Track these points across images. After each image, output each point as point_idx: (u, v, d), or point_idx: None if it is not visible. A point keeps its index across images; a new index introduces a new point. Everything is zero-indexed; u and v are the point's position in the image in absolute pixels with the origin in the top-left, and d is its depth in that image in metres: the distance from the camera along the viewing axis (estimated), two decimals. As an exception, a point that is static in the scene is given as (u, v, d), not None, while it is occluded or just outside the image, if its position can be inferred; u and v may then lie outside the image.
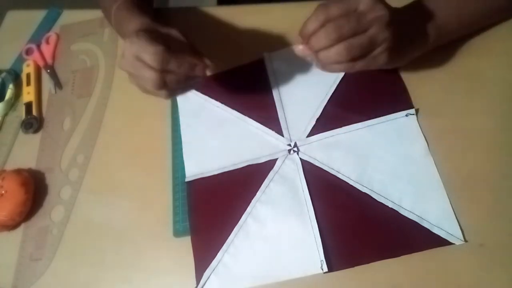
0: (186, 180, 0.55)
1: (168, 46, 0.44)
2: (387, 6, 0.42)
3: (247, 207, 0.51)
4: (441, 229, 0.45)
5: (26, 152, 0.63)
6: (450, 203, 0.46)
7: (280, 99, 0.57)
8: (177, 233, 0.52)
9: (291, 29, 0.62)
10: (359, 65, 0.43)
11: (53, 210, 0.58)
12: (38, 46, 0.72)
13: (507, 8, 0.53)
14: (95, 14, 0.73)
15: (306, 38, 0.43)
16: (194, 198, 0.54)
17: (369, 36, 0.41)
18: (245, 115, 0.57)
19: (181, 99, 0.60)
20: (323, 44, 0.42)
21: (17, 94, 0.69)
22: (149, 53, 0.43)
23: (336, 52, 0.41)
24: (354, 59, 0.43)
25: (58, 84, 0.68)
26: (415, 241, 0.45)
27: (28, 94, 0.67)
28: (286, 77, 0.58)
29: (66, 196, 0.58)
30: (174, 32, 0.48)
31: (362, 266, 0.46)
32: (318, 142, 0.53)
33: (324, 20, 0.41)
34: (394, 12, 0.43)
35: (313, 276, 0.46)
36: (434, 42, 0.50)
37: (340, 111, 0.54)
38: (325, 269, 0.46)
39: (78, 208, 0.57)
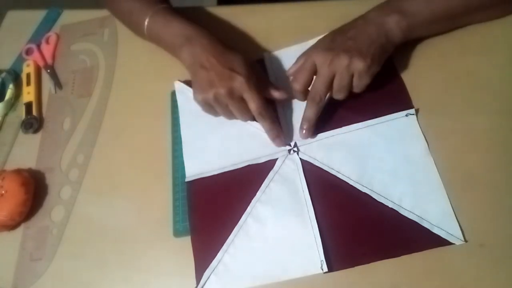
0: (186, 180, 0.55)
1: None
2: (329, 47, 0.51)
3: (247, 207, 0.51)
4: (441, 229, 0.45)
5: (26, 152, 0.63)
6: (450, 203, 0.46)
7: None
8: (177, 233, 0.52)
9: (291, 29, 0.63)
10: (358, 88, 0.52)
11: (53, 210, 0.58)
12: (38, 46, 0.72)
13: (489, 3, 0.54)
14: (95, 14, 0.73)
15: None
16: (194, 198, 0.54)
17: (339, 73, 0.50)
18: (245, 115, 0.57)
19: (181, 99, 0.60)
20: (320, 102, 0.52)
21: (17, 94, 0.69)
22: (255, 103, 0.51)
23: (335, 92, 0.52)
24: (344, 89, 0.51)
25: (58, 84, 0.68)
26: (415, 241, 0.45)
27: (28, 94, 0.67)
28: (286, 77, 0.58)
29: (66, 196, 0.58)
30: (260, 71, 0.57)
31: (362, 266, 0.46)
32: (318, 142, 0.53)
33: (304, 86, 0.53)
34: (337, 40, 0.52)
35: (313, 276, 0.46)
36: (406, 33, 0.52)
37: (340, 111, 0.54)
38: (325, 269, 0.46)
39: (78, 208, 0.57)
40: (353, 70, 0.49)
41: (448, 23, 0.55)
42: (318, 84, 0.51)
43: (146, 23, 0.59)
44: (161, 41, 0.60)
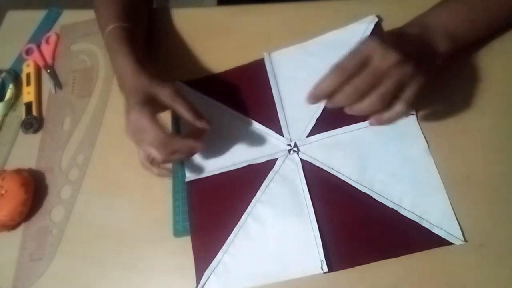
0: (186, 180, 0.55)
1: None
2: (394, 47, 0.41)
3: (247, 207, 0.51)
4: (441, 229, 0.45)
5: (26, 152, 0.63)
6: (450, 203, 0.46)
7: (280, 99, 0.57)
8: (177, 233, 0.52)
9: (291, 29, 0.63)
10: (399, 111, 0.42)
11: (53, 210, 0.58)
12: (38, 46, 0.72)
13: None
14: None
15: (318, 98, 0.43)
16: (194, 198, 0.54)
17: (393, 80, 0.41)
18: (245, 115, 0.57)
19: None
20: (343, 104, 0.42)
21: (17, 94, 0.69)
22: (151, 134, 0.47)
23: (369, 103, 0.41)
24: (390, 103, 0.42)
25: (58, 84, 0.68)
26: (415, 241, 0.45)
27: (28, 94, 0.67)
28: (286, 77, 0.58)
29: (66, 196, 0.58)
30: (173, 96, 0.50)
31: (362, 266, 0.46)
32: (318, 142, 0.53)
33: (340, 81, 0.41)
34: (403, 44, 0.42)
35: (313, 276, 0.46)
36: (451, 50, 0.47)
37: (340, 111, 0.54)
38: (325, 269, 0.46)
39: (78, 208, 0.57)
40: (412, 84, 0.41)
41: (485, 32, 0.52)
42: (363, 80, 0.41)
43: (105, 36, 0.57)
44: (111, 60, 0.57)
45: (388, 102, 0.42)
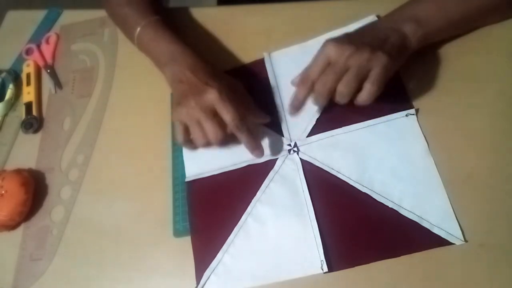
0: (186, 180, 0.55)
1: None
2: (347, 42, 0.48)
3: (247, 207, 0.51)
4: (441, 229, 0.45)
5: (26, 152, 0.63)
6: (450, 203, 0.46)
7: (280, 99, 0.57)
8: (177, 233, 0.52)
9: (291, 29, 0.63)
10: (369, 90, 0.47)
11: (53, 210, 0.58)
12: (38, 46, 0.72)
13: (501, 5, 0.53)
14: (95, 14, 0.73)
15: (298, 108, 0.52)
16: (194, 198, 0.54)
17: (353, 69, 0.46)
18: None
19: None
20: (324, 93, 0.48)
21: (17, 94, 0.69)
22: (229, 114, 0.48)
23: (343, 85, 0.47)
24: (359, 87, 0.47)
25: (58, 84, 0.68)
26: (415, 241, 0.45)
27: (28, 94, 0.67)
28: (286, 77, 0.58)
29: (66, 196, 0.58)
30: (240, 88, 0.55)
31: (362, 266, 0.46)
32: (318, 142, 0.53)
33: (310, 88, 0.49)
34: (356, 37, 0.49)
35: (313, 276, 0.46)
36: (422, 42, 0.51)
37: (340, 111, 0.54)
38: (325, 269, 0.46)
39: (78, 208, 0.57)
40: (374, 65, 0.46)
41: (462, 28, 0.54)
42: (327, 77, 0.47)
43: (137, 32, 0.59)
44: (149, 54, 0.59)
45: (354, 87, 0.47)
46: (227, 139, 0.52)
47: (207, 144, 0.51)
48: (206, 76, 0.51)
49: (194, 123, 0.50)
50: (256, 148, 0.51)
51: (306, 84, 0.49)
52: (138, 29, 0.58)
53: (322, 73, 0.48)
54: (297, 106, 0.51)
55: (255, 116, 0.54)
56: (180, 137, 0.52)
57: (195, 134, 0.50)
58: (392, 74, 0.48)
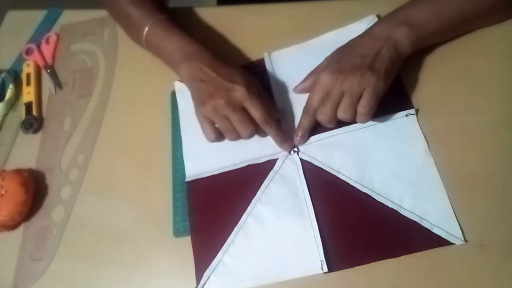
0: (186, 180, 0.55)
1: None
2: (334, 69, 0.50)
3: (247, 207, 0.51)
4: (441, 229, 0.45)
5: (26, 152, 0.63)
6: (450, 203, 0.46)
7: (280, 99, 0.57)
8: (177, 233, 0.52)
9: (291, 29, 0.63)
10: (361, 113, 0.49)
11: (53, 210, 0.58)
12: (38, 46, 0.72)
13: (495, 8, 0.53)
14: (95, 14, 0.73)
15: (305, 136, 0.54)
16: (194, 198, 0.54)
17: (349, 91, 0.49)
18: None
19: (181, 98, 0.60)
20: (327, 123, 0.51)
21: (17, 94, 0.69)
22: (258, 110, 0.50)
23: (341, 112, 0.50)
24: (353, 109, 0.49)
25: (58, 84, 0.68)
26: (415, 241, 0.45)
27: (28, 94, 0.67)
28: (286, 77, 0.58)
29: (66, 196, 0.58)
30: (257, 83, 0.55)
31: (362, 266, 0.46)
32: (318, 142, 0.53)
33: (314, 118, 0.52)
34: (345, 58, 0.51)
35: (313, 276, 0.46)
36: (416, 46, 0.51)
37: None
38: (325, 269, 0.46)
39: (78, 208, 0.57)
40: (365, 87, 0.48)
41: (456, 31, 0.54)
42: (326, 108, 0.50)
43: (145, 32, 0.58)
44: (160, 53, 0.59)
45: (352, 110, 0.49)
46: (227, 140, 0.52)
47: (238, 138, 0.53)
48: (228, 73, 0.52)
49: (223, 119, 0.51)
50: (285, 141, 0.53)
51: (309, 113, 0.52)
52: (146, 28, 0.58)
53: (321, 101, 0.51)
54: (303, 135, 0.53)
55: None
56: (211, 135, 0.53)
57: (226, 130, 0.52)
58: (386, 88, 0.49)
